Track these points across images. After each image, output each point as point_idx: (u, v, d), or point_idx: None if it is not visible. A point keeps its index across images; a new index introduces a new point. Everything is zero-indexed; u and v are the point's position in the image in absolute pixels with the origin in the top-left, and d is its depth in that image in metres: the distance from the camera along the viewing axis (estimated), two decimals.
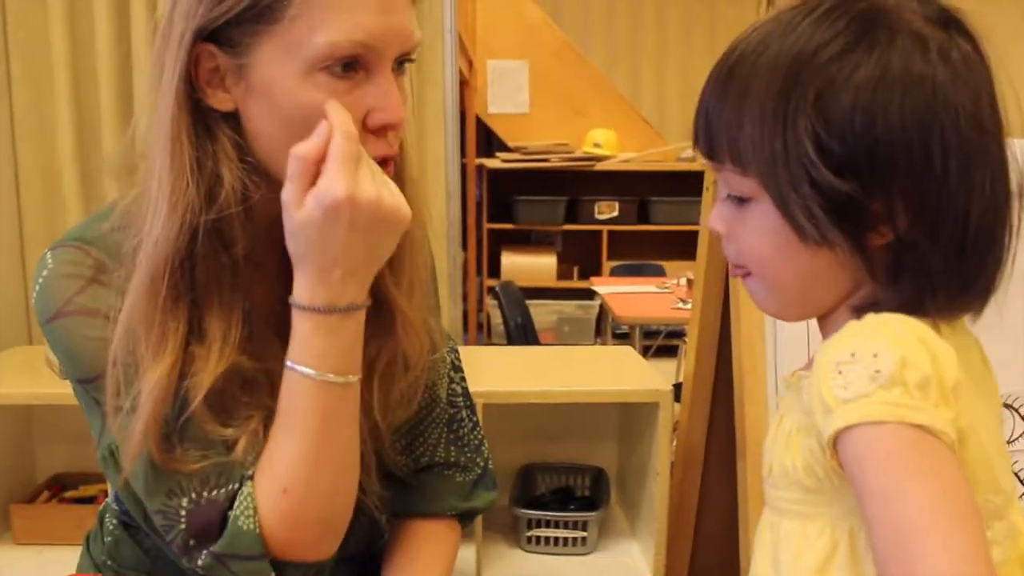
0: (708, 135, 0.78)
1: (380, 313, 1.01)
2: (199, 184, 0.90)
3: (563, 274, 6.29)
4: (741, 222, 0.79)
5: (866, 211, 0.72)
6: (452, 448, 1.18)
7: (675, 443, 1.52)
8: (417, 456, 1.16)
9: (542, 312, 5.64)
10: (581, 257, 6.30)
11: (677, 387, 1.51)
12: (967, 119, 0.71)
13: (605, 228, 6.15)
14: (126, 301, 0.92)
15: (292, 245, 0.90)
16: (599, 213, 6.12)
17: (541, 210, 6.11)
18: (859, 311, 0.74)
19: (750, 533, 1.31)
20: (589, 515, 1.52)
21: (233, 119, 0.92)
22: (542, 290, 5.91)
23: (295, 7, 0.86)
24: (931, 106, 0.71)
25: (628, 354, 1.75)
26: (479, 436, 1.22)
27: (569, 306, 5.94)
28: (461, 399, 1.20)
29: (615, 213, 6.12)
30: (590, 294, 5.18)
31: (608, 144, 6.07)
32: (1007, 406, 1.37)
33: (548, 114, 6.28)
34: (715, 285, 1.43)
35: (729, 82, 0.76)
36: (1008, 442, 1.38)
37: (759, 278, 0.80)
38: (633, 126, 6.34)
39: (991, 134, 0.73)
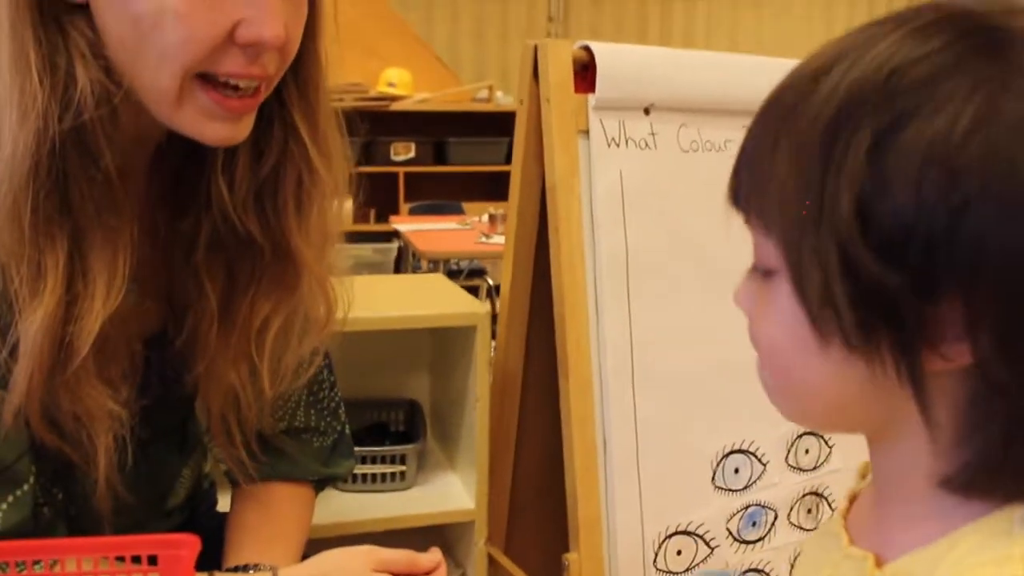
0: (738, 175, 0.58)
1: (282, 266, 0.92)
2: (53, 86, 0.75)
3: (360, 218, 6.14)
4: (762, 300, 0.57)
5: (921, 318, 0.49)
6: (312, 411, 1.11)
7: (491, 371, 1.47)
8: (275, 420, 1.07)
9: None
10: (378, 199, 6.17)
11: None
12: None
13: (402, 170, 6.05)
14: None
15: None
16: (395, 154, 6.01)
17: None
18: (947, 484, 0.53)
19: (574, 455, 1.28)
20: (406, 448, 1.45)
21: (85, 13, 0.77)
22: None
23: None
24: None
25: (439, 280, 1.68)
26: (336, 398, 1.15)
27: (366, 250, 5.80)
28: (323, 358, 1.12)
29: (412, 154, 6.02)
30: (387, 237, 5.09)
31: (403, 84, 5.95)
32: None
33: (340, 54, 6.06)
34: (530, 200, 1.38)
35: (773, 109, 0.55)
36: None
37: (769, 373, 0.60)
38: (427, 66, 6.24)
39: None
